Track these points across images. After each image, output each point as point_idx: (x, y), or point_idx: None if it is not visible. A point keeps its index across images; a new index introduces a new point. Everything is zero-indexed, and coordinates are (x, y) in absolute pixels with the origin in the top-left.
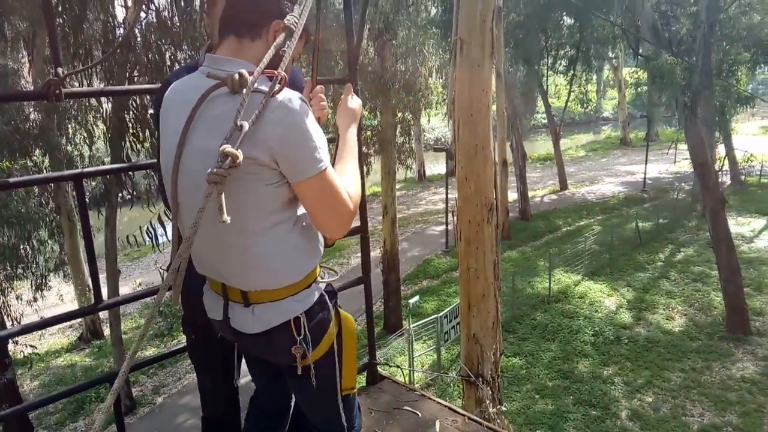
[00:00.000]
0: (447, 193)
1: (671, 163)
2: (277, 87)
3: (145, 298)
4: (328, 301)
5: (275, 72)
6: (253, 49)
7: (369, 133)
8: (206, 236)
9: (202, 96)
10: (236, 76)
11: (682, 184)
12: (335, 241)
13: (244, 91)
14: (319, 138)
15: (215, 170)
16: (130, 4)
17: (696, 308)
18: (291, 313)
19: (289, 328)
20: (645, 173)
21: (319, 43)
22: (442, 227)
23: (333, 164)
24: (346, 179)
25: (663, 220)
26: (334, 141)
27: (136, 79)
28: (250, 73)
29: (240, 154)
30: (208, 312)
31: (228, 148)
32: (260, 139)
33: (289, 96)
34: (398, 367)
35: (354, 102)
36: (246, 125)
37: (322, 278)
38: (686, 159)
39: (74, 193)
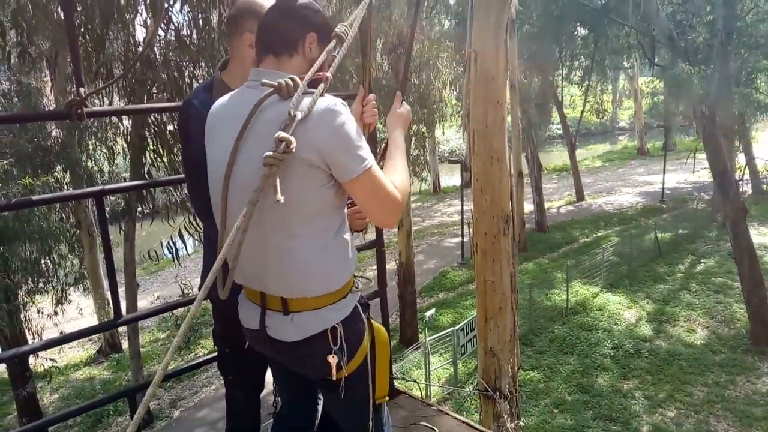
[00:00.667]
0: (462, 205)
1: (690, 173)
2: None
3: (163, 313)
4: (361, 312)
5: (322, 74)
6: (293, 63)
7: (383, 145)
8: (250, 241)
9: (257, 104)
10: (288, 81)
11: (702, 194)
12: (366, 228)
13: (297, 91)
14: (361, 139)
15: (272, 153)
16: (149, 23)
17: (718, 321)
18: (330, 322)
19: (326, 338)
20: (663, 183)
21: (370, 52)
22: (458, 239)
23: (382, 162)
24: (394, 174)
25: (683, 230)
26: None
27: (155, 96)
28: (301, 78)
29: (293, 139)
30: (243, 321)
31: (283, 133)
32: (310, 141)
33: (333, 101)
34: (415, 381)
35: (404, 108)
36: (299, 114)
37: (357, 287)
38: (705, 168)
39: (95, 208)
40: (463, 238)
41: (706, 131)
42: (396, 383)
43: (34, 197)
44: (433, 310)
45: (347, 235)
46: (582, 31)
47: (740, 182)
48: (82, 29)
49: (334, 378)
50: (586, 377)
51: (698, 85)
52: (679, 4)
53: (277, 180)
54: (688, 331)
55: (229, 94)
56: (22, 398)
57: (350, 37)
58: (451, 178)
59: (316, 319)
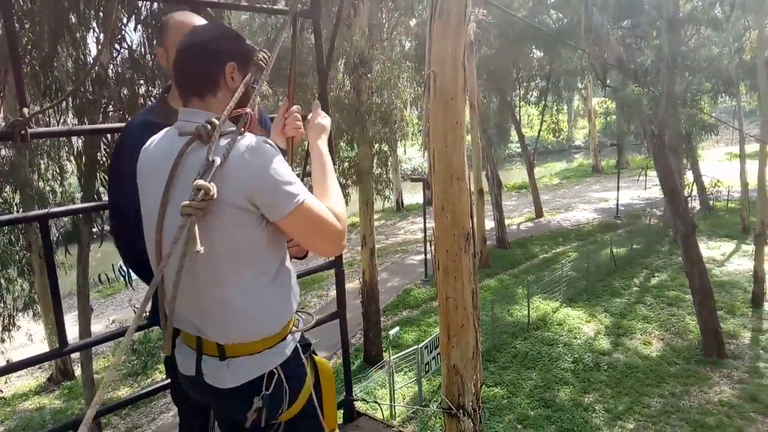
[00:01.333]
0: (425, 223)
1: (642, 190)
2: (244, 124)
3: (117, 339)
4: (301, 353)
5: (242, 110)
6: (219, 101)
7: (346, 164)
8: (184, 289)
9: (179, 153)
10: (206, 125)
11: (654, 209)
12: (307, 254)
13: (214, 135)
14: (290, 174)
15: (188, 202)
16: (102, 39)
17: (672, 332)
18: (267, 366)
19: (263, 383)
20: (617, 200)
21: (295, 67)
22: (421, 257)
23: (310, 180)
24: (328, 198)
25: (636, 245)
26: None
27: (110, 115)
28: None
29: (213, 187)
30: (180, 367)
31: (200, 181)
32: (233, 185)
33: (252, 140)
34: (376, 402)
35: (323, 119)
36: (218, 160)
37: (297, 326)
38: (656, 185)
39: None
40: (426, 255)
41: (656, 150)
42: (357, 404)
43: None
44: (397, 328)
45: (288, 275)
46: (538, 54)
47: (689, 198)
48: (29, 46)
49: (263, 423)
50: (548, 392)
51: (647, 105)
52: (628, 28)
53: (196, 229)
54: (644, 344)
55: (159, 136)
56: None
57: (270, 64)
58: (413, 195)
59: (253, 364)
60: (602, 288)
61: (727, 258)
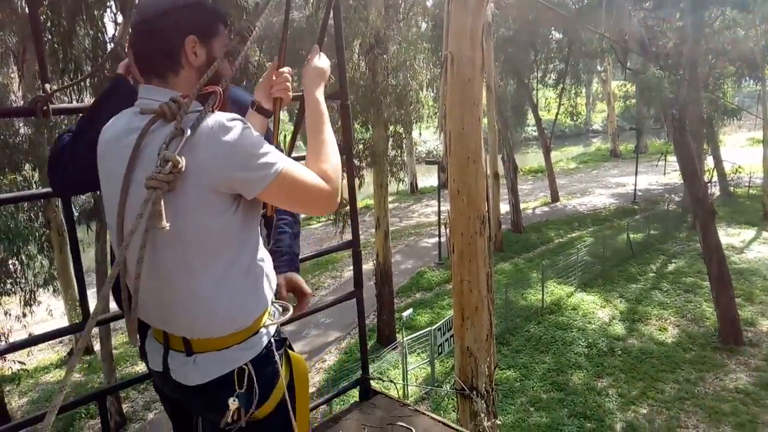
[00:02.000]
0: (439, 206)
1: (661, 175)
2: (213, 103)
3: None
4: (274, 349)
5: (211, 88)
6: (181, 79)
7: (361, 146)
8: (149, 280)
9: (141, 133)
10: (170, 103)
11: (672, 195)
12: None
13: (181, 111)
14: (263, 144)
15: (154, 174)
16: (120, 20)
17: (688, 319)
18: (236, 362)
19: (233, 380)
20: (635, 185)
21: (287, 25)
22: (435, 239)
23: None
24: (318, 156)
25: (654, 231)
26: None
27: None
28: (184, 97)
29: (182, 159)
30: (149, 362)
31: (168, 152)
32: (203, 163)
33: (221, 116)
34: (391, 381)
35: (321, 61)
36: (188, 131)
37: (273, 318)
38: (676, 171)
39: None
40: (440, 238)
41: (676, 134)
42: (372, 383)
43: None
44: (410, 310)
45: (262, 262)
46: (557, 35)
47: (709, 184)
48: (49, 24)
49: (243, 424)
50: (561, 375)
51: (668, 89)
52: (650, 10)
53: (162, 204)
54: (659, 330)
55: (118, 116)
56: None
57: (254, 34)
58: (428, 178)
59: (221, 360)
60: (618, 273)
61: (747, 245)
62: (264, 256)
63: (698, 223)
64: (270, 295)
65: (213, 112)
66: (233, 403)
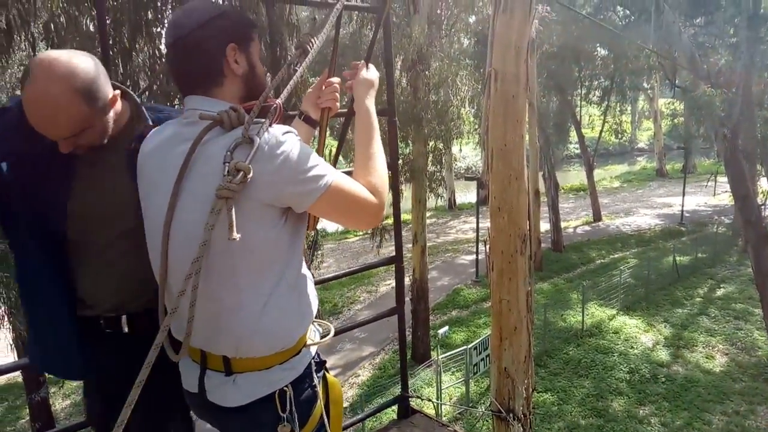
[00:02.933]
0: (478, 222)
1: (710, 196)
2: (273, 116)
3: None
4: (314, 372)
5: (271, 101)
6: (225, 90)
7: (401, 161)
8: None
9: (197, 138)
10: (230, 111)
11: (722, 217)
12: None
13: (247, 119)
14: (313, 156)
15: (226, 184)
16: None
17: (738, 348)
18: (277, 384)
19: (274, 402)
20: (683, 205)
21: (338, 38)
22: (472, 257)
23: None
24: (366, 169)
25: (702, 254)
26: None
27: (177, 107)
28: (246, 107)
29: (251, 168)
30: (183, 383)
31: (240, 162)
32: (259, 178)
33: (276, 130)
34: (429, 400)
35: (371, 73)
36: (257, 139)
37: (313, 340)
38: (726, 192)
39: None
40: (477, 255)
41: (728, 154)
42: (411, 402)
43: None
44: (446, 328)
45: (305, 280)
46: (602, 52)
47: (763, 207)
48: (110, 41)
49: None
50: (601, 401)
51: (720, 107)
52: (702, 26)
53: (233, 214)
54: (706, 358)
55: (161, 129)
56: (35, 403)
57: (316, 48)
58: (466, 194)
59: (262, 381)
60: (663, 297)
61: None
62: (307, 272)
63: (750, 246)
64: (312, 315)
65: (272, 125)
66: (283, 428)
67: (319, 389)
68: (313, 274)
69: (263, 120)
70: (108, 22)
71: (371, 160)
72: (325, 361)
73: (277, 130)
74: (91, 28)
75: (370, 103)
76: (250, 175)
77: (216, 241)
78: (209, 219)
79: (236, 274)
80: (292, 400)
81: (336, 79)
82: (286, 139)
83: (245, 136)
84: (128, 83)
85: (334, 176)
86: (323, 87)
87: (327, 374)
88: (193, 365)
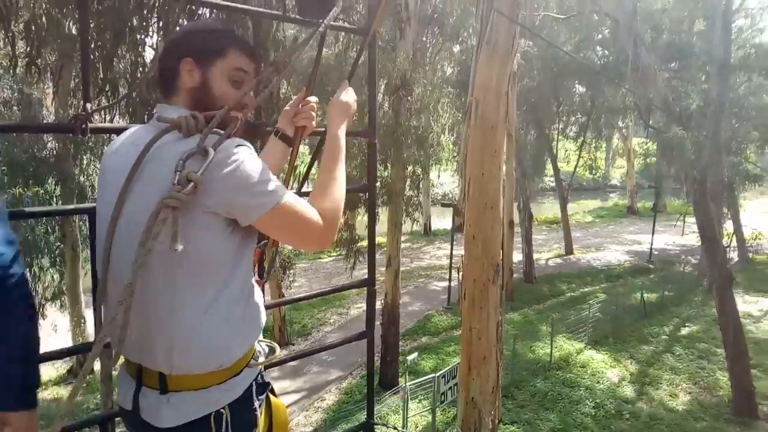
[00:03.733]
0: (452, 249)
1: (679, 236)
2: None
3: None
4: (254, 394)
5: (233, 114)
6: (180, 98)
7: (378, 184)
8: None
9: (151, 139)
10: (190, 118)
11: (689, 257)
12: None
13: (207, 128)
14: (265, 173)
15: (175, 193)
16: (158, 45)
17: (701, 387)
18: (214, 405)
19: (209, 424)
20: (652, 243)
21: (319, 58)
22: (445, 283)
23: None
24: (322, 191)
25: (669, 292)
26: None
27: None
28: (207, 117)
29: (203, 179)
30: (119, 399)
31: (192, 173)
32: (208, 185)
33: (231, 141)
34: (395, 428)
35: (348, 95)
36: (212, 151)
37: (256, 360)
38: (694, 232)
39: (82, 224)
40: (450, 282)
41: (697, 196)
42: (377, 429)
43: (27, 209)
44: (415, 354)
45: (252, 294)
46: (580, 89)
47: (728, 249)
48: (92, 46)
49: None
50: None
51: (690, 150)
52: (676, 71)
53: (179, 224)
54: (670, 396)
55: (126, 132)
56: None
57: (287, 70)
58: (441, 221)
59: (197, 401)
60: (630, 333)
61: (765, 314)
62: (257, 291)
63: (715, 288)
64: (258, 333)
65: (230, 137)
66: None
67: (261, 413)
68: (282, 294)
69: (221, 132)
70: (91, 25)
71: (329, 185)
72: (269, 383)
73: (232, 142)
74: (74, 30)
75: (341, 129)
76: (201, 186)
77: (156, 245)
78: (154, 226)
79: (174, 278)
80: (230, 424)
81: (314, 98)
82: (239, 151)
83: (200, 146)
84: (107, 89)
85: (284, 195)
86: (300, 105)
87: (271, 396)
88: (130, 381)
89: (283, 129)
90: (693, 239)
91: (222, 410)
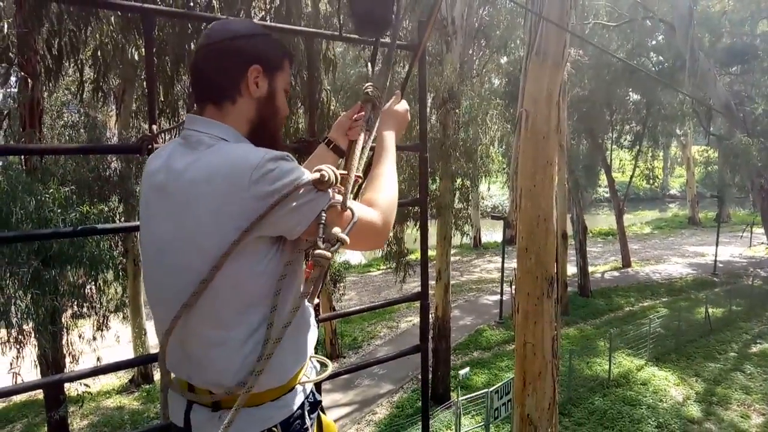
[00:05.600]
0: (503, 262)
1: (745, 247)
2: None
3: None
4: (306, 412)
5: (351, 174)
6: (238, 109)
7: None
8: (178, 328)
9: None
10: (330, 173)
11: (758, 270)
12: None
13: (345, 189)
14: (304, 181)
15: (323, 252)
16: None
17: None
18: (266, 423)
19: None
20: (716, 255)
21: (392, 71)
22: (496, 297)
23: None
24: (375, 190)
25: (736, 307)
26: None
27: None
28: (344, 176)
29: (347, 239)
30: (171, 415)
31: (339, 232)
32: (247, 208)
33: (273, 153)
34: None
35: (401, 106)
36: (356, 215)
37: (308, 376)
38: (762, 243)
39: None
40: (502, 296)
41: (765, 204)
42: None
43: (99, 226)
44: (467, 369)
45: (303, 313)
46: (634, 97)
47: None
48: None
49: None
50: None
51: (757, 156)
52: (738, 74)
53: (324, 280)
54: (742, 417)
55: (163, 147)
56: (54, 422)
57: (383, 102)
58: (492, 234)
59: (250, 418)
60: (694, 350)
61: None
62: (307, 305)
63: None
64: (310, 350)
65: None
66: None
67: (314, 428)
68: (333, 307)
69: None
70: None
71: (378, 179)
72: (320, 401)
73: (274, 154)
74: (136, 56)
75: (392, 134)
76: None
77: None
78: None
79: (220, 309)
80: None
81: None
82: (275, 166)
83: (344, 206)
84: (167, 111)
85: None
86: (354, 118)
87: (322, 415)
88: (181, 398)
89: (335, 140)
90: (761, 251)
91: (274, 428)
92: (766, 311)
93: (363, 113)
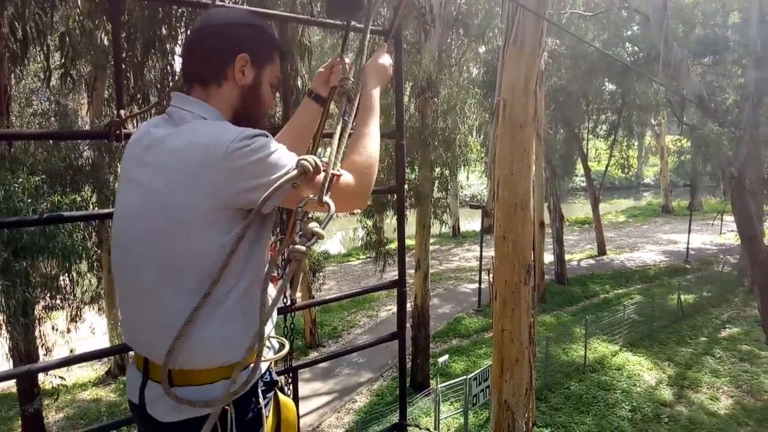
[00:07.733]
0: (481, 251)
1: (716, 235)
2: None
3: None
4: (260, 391)
5: (324, 164)
6: (222, 93)
7: (406, 186)
8: (137, 295)
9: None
10: (315, 162)
11: (728, 257)
12: None
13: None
14: (276, 150)
15: (299, 247)
16: None
17: (744, 390)
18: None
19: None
20: (688, 243)
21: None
22: (475, 285)
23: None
24: (356, 149)
25: (707, 293)
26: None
27: None
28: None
29: (324, 233)
30: (127, 391)
31: (316, 227)
32: (215, 179)
33: (248, 131)
34: (428, 430)
35: (385, 59)
36: (332, 208)
37: (264, 356)
38: (732, 231)
39: None
40: (480, 284)
41: (735, 193)
42: (409, 430)
43: (66, 213)
44: (446, 356)
45: (258, 290)
46: (610, 87)
47: None
48: (124, 55)
49: None
50: None
51: (727, 145)
52: (710, 65)
53: (300, 275)
54: (711, 399)
55: (150, 121)
56: (28, 415)
57: (358, 93)
58: (470, 222)
59: (202, 397)
60: (667, 335)
61: None
62: (269, 286)
63: (756, 287)
64: (267, 330)
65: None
66: None
67: (267, 411)
68: (312, 296)
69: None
70: (123, 34)
71: (361, 139)
72: (277, 381)
73: (250, 131)
74: (106, 42)
75: (377, 90)
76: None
77: (171, 241)
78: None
79: (183, 277)
80: (233, 421)
81: (348, 58)
82: (257, 140)
83: (321, 200)
84: (139, 97)
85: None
86: (334, 65)
87: (280, 394)
88: (138, 374)
89: (316, 90)
90: (731, 238)
91: (227, 407)
92: (734, 297)
93: (340, 63)
